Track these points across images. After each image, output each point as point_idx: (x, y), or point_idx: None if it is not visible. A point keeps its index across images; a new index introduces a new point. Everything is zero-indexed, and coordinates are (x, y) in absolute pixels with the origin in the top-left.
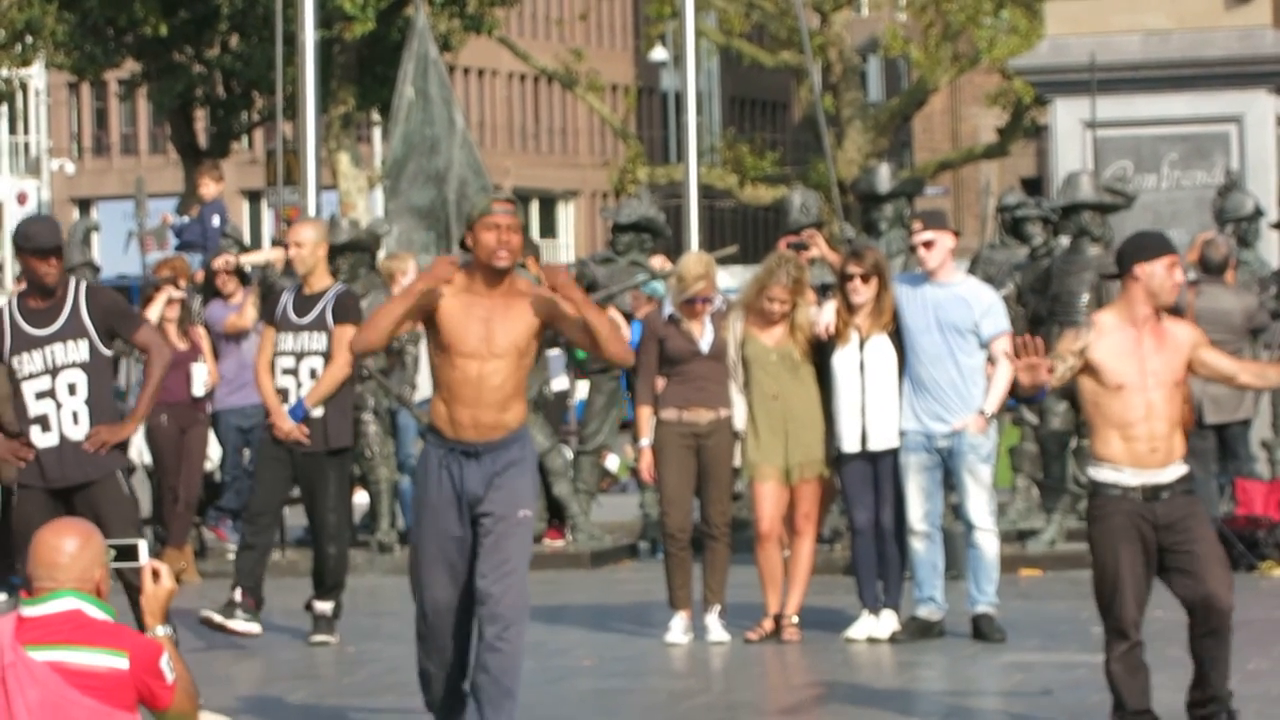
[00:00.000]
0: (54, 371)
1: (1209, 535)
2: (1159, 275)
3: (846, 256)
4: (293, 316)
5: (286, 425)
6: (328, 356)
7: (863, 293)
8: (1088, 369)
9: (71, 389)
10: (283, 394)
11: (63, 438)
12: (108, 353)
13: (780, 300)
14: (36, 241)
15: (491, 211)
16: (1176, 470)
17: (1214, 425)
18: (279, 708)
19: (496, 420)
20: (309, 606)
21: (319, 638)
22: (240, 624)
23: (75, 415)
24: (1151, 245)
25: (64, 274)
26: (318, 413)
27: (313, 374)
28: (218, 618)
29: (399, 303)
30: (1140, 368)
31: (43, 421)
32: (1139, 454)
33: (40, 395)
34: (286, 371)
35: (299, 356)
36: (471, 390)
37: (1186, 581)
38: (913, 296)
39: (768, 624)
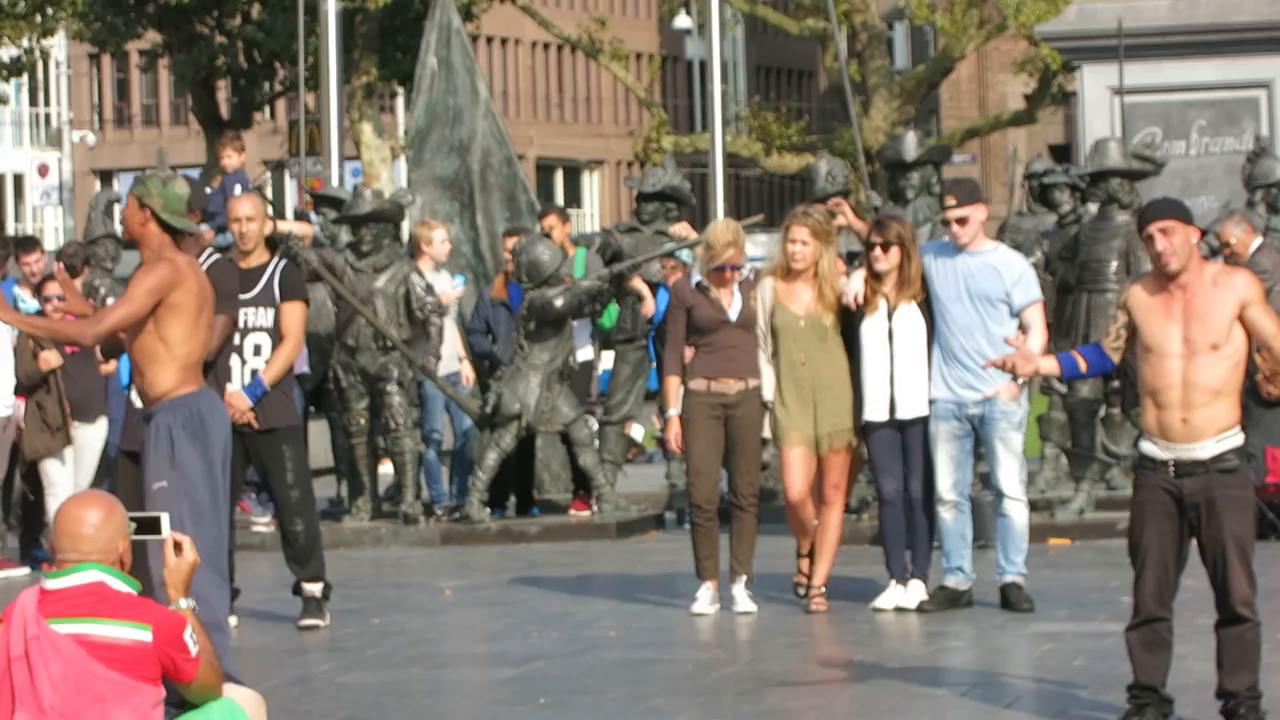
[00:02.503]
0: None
1: (1235, 525)
2: (1146, 253)
3: (871, 226)
4: None
5: (243, 404)
6: (273, 333)
7: (884, 261)
8: (1130, 321)
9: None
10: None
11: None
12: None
13: (801, 240)
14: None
15: None
16: (1216, 445)
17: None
18: (305, 680)
19: (141, 384)
20: (297, 590)
21: (308, 621)
22: None
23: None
24: (1143, 214)
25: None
26: None
27: (257, 350)
28: None
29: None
30: (1169, 333)
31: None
32: (1169, 425)
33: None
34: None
35: (243, 333)
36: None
37: (1208, 566)
38: (943, 265)
39: (805, 564)
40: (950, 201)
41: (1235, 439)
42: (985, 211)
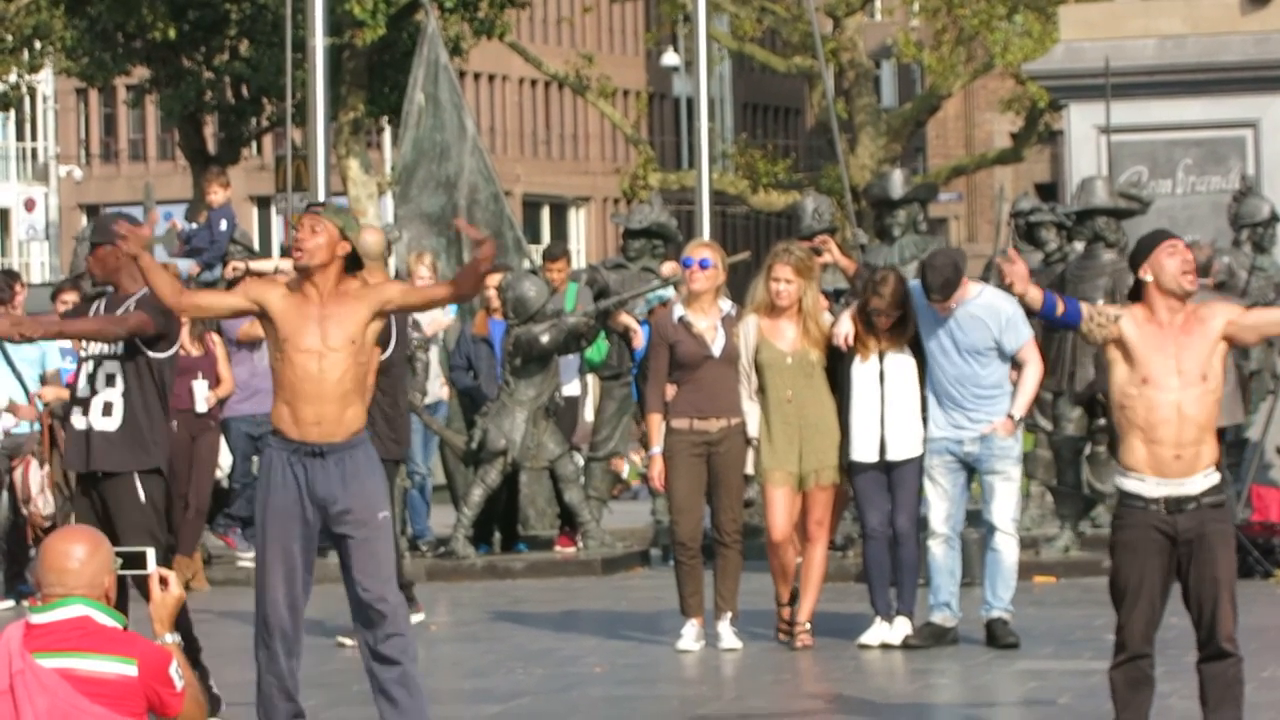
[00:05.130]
0: (98, 359)
1: (1225, 559)
2: (1164, 265)
3: (868, 289)
4: None
5: None
6: None
7: (884, 321)
8: (1119, 345)
9: (109, 379)
10: None
11: (89, 426)
12: (150, 354)
13: (785, 279)
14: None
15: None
16: (1204, 481)
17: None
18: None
19: (339, 417)
20: None
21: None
22: None
23: (107, 406)
24: (1146, 241)
25: (114, 273)
26: None
27: None
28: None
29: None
30: (1167, 365)
31: (83, 405)
32: (1162, 461)
33: (88, 378)
34: None
35: None
36: (313, 386)
37: (1193, 602)
38: (930, 316)
39: (785, 613)
40: (937, 298)
41: (1216, 476)
42: (967, 283)
